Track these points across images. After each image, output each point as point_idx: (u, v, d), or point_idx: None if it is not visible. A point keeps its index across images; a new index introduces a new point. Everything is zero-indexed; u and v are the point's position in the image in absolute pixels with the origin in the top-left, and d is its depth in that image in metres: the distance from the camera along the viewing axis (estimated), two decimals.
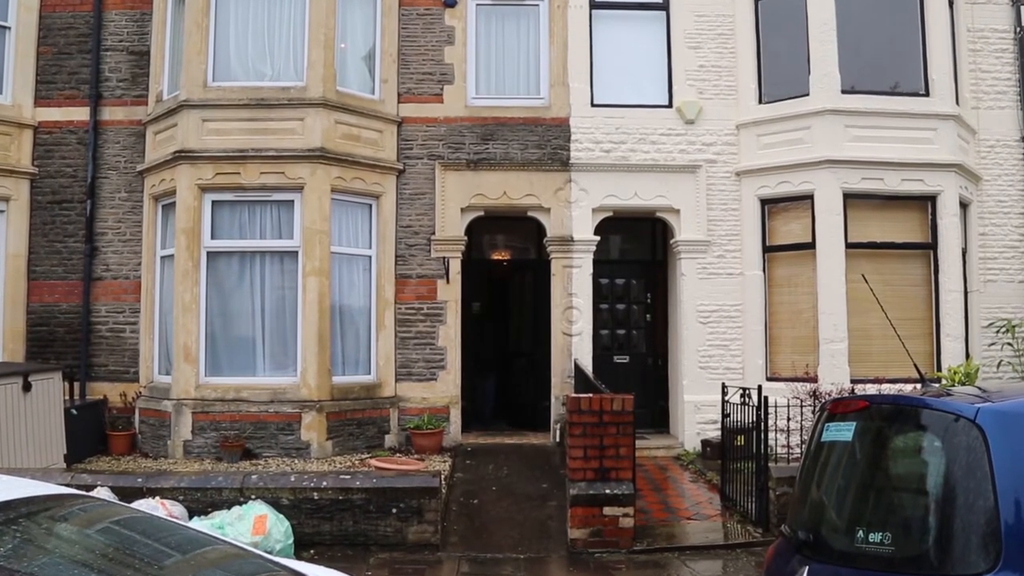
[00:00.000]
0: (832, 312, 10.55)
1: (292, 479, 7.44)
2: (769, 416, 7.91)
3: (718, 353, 11.31)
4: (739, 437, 8.38)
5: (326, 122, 10.60)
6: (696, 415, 11.13)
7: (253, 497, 7.12)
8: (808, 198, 10.91)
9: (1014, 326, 11.02)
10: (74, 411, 9.98)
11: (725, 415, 8.66)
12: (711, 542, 7.54)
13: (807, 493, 3.84)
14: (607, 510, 7.13)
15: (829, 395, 8.88)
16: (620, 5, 11.88)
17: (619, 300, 12.33)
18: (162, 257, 11.10)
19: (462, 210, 11.39)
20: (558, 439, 10.75)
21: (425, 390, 11.18)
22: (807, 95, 10.97)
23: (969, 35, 11.75)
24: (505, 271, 13.78)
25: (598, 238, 11.47)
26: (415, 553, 7.09)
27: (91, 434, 10.48)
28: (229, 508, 7.02)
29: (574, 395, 8.04)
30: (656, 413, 12.14)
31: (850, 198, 10.79)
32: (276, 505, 7.07)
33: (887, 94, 11.00)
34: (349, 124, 10.86)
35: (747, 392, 8.11)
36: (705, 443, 10.63)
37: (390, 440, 10.93)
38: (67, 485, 5.86)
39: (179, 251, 10.46)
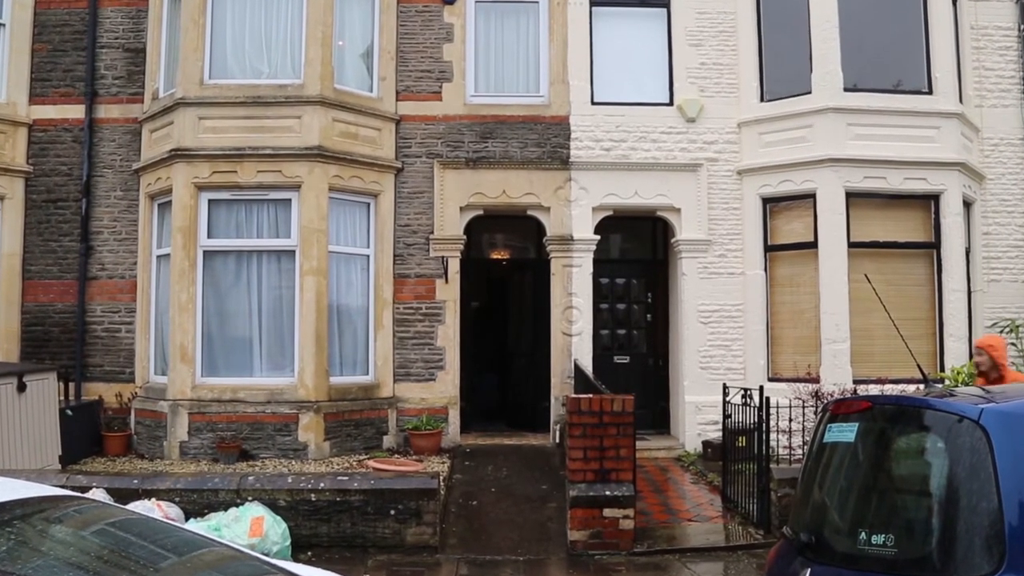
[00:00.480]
0: (834, 312, 10.55)
1: (289, 480, 7.43)
2: (771, 417, 7.90)
3: (719, 353, 11.31)
4: (740, 438, 8.38)
5: (324, 120, 10.60)
6: (697, 416, 11.13)
7: (250, 499, 7.12)
8: (810, 197, 10.90)
9: (1018, 326, 11.03)
10: (69, 412, 9.97)
11: (726, 416, 8.66)
12: (712, 544, 7.54)
13: (809, 494, 3.85)
14: (607, 512, 7.13)
15: (831, 396, 8.89)
16: (621, 2, 11.87)
17: (619, 300, 12.33)
18: (158, 256, 11.09)
19: (461, 209, 11.39)
20: (558, 440, 10.75)
21: (424, 391, 11.17)
22: (809, 93, 10.97)
23: (972, 32, 11.75)
24: (504, 270, 13.78)
25: (598, 237, 11.47)
26: (413, 555, 7.09)
27: (86, 435, 10.47)
28: (226, 510, 7.02)
29: (574, 396, 8.04)
30: (657, 414, 12.14)
31: (852, 197, 10.79)
32: (273, 507, 7.07)
33: (890, 92, 11.00)
34: (347, 122, 10.85)
35: (748, 393, 8.11)
36: (706, 444, 10.63)
37: (388, 441, 10.92)
38: (62, 487, 5.85)
39: (175, 250, 10.46)
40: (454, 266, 11.33)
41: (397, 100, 11.44)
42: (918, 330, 10.53)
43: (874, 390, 9.19)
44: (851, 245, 10.70)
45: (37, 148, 11.44)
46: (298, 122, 10.56)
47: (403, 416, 11.03)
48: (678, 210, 11.50)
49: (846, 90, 10.84)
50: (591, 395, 7.48)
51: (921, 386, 4.16)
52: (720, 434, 9.25)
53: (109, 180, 11.43)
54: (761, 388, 8.03)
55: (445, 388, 11.23)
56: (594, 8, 11.70)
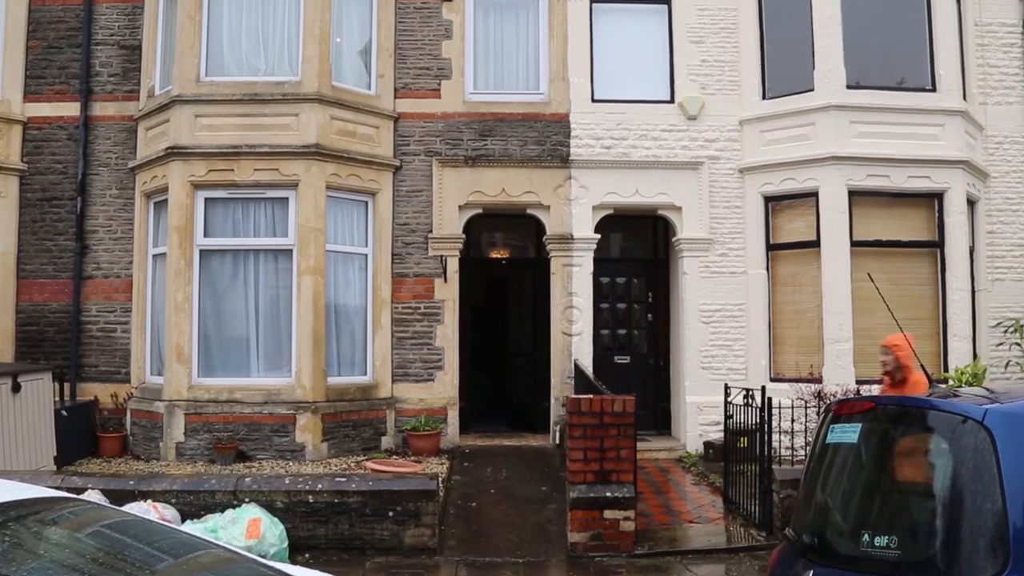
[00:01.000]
0: (837, 311, 10.55)
1: (287, 482, 7.44)
2: (773, 417, 7.90)
3: (721, 353, 11.31)
4: (742, 439, 8.38)
5: (321, 118, 10.59)
6: (698, 416, 11.13)
7: (247, 500, 7.12)
8: (812, 195, 10.91)
9: (1022, 326, 11.03)
10: (64, 412, 9.97)
11: (728, 416, 8.66)
12: (714, 546, 7.54)
13: (812, 496, 3.85)
14: (608, 513, 7.13)
15: (834, 396, 8.90)
16: None
17: (620, 299, 12.34)
18: (154, 255, 11.09)
19: (460, 207, 11.39)
20: (558, 441, 10.76)
21: (422, 391, 11.17)
22: (811, 90, 10.97)
23: (976, 29, 11.75)
24: (504, 270, 13.78)
25: (598, 236, 11.46)
26: (412, 557, 7.09)
27: (81, 436, 10.47)
28: (222, 511, 7.02)
29: (574, 396, 8.04)
30: (658, 414, 12.14)
31: (855, 195, 10.79)
32: (270, 508, 7.07)
33: (893, 89, 11.01)
34: (345, 120, 10.85)
35: (750, 393, 8.11)
36: (708, 445, 10.63)
37: (387, 442, 10.92)
38: (57, 488, 5.85)
39: (171, 249, 10.45)
40: (453, 265, 11.33)
41: (395, 98, 11.43)
42: (921, 330, 10.51)
43: (877, 390, 9.20)
44: (854, 244, 10.70)
45: (32, 146, 11.43)
46: (295, 120, 10.56)
47: (402, 417, 11.03)
48: (679, 209, 11.50)
49: (849, 87, 10.84)
50: (591, 396, 7.49)
51: None
52: (722, 435, 9.26)
53: (104, 178, 11.42)
54: (763, 388, 8.03)
55: (444, 388, 11.23)
56: (594, 5, 11.70)
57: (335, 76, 10.84)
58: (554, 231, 11.40)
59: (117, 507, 5.04)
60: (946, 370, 10.22)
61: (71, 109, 11.42)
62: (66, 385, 10.89)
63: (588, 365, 10.80)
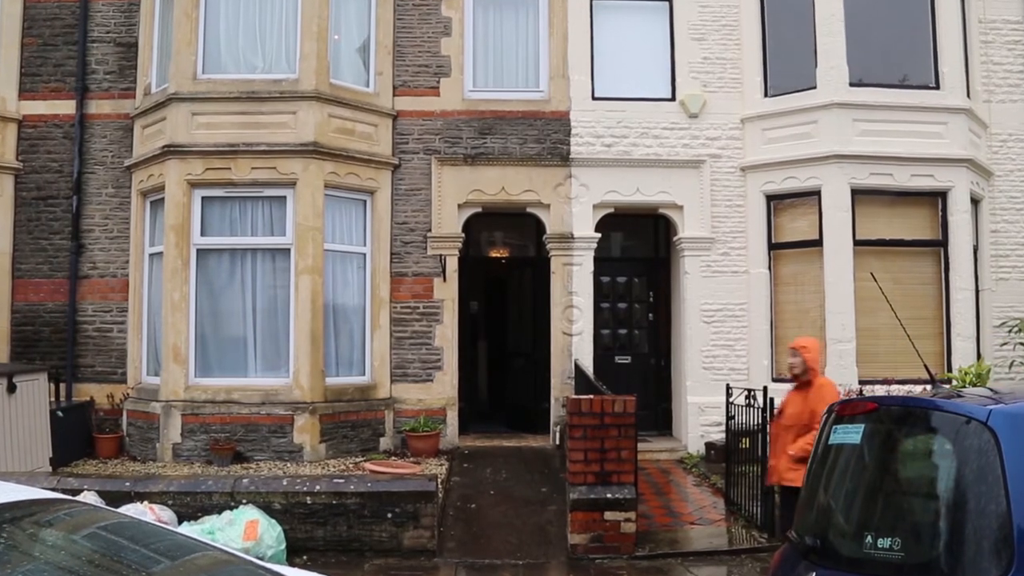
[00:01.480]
0: (840, 311, 10.55)
1: (284, 483, 7.44)
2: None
3: (722, 353, 11.31)
4: (744, 439, 8.38)
5: (319, 116, 10.59)
6: (700, 417, 11.13)
7: (244, 501, 7.12)
8: (815, 194, 10.90)
9: None
10: (60, 413, 9.97)
11: (730, 417, 8.67)
12: (715, 548, 7.54)
13: (814, 497, 3.85)
14: (608, 515, 7.13)
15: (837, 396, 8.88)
16: None
17: (621, 299, 12.33)
18: (150, 255, 11.09)
19: (459, 206, 11.39)
20: (558, 442, 10.76)
21: (421, 391, 11.17)
22: (814, 88, 10.97)
23: (980, 26, 11.75)
24: (504, 269, 13.78)
25: (599, 235, 11.46)
26: (411, 559, 7.09)
27: (77, 437, 10.47)
28: (219, 513, 7.02)
29: (574, 396, 8.04)
30: (659, 415, 12.14)
31: (858, 194, 10.78)
32: (268, 510, 7.07)
33: (896, 87, 11.00)
34: (343, 118, 10.85)
35: (752, 393, 8.11)
36: (709, 446, 10.62)
37: (385, 443, 10.92)
38: (53, 489, 5.85)
39: (168, 248, 10.45)
40: (452, 264, 11.33)
41: (394, 95, 11.43)
42: (925, 330, 10.53)
43: (880, 391, 9.22)
44: (857, 243, 10.70)
45: (27, 144, 11.43)
46: (293, 118, 10.56)
47: (400, 417, 11.03)
48: (680, 207, 11.50)
49: (852, 85, 10.84)
50: (592, 396, 7.49)
51: (928, 387, 4.16)
52: (723, 436, 9.25)
53: (100, 177, 11.42)
54: (765, 389, 8.03)
55: (443, 389, 11.22)
56: (595, 1, 11.69)
57: (333, 74, 10.83)
58: (554, 230, 11.40)
59: (113, 509, 5.05)
60: (950, 370, 10.22)
61: (67, 107, 11.41)
62: (62, 386, 10.89)
63: (588, 365, 10.80)
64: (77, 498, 5.49)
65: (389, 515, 7.23)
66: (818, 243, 10.84)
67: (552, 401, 11.31)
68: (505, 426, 12.68)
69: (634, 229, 12.67)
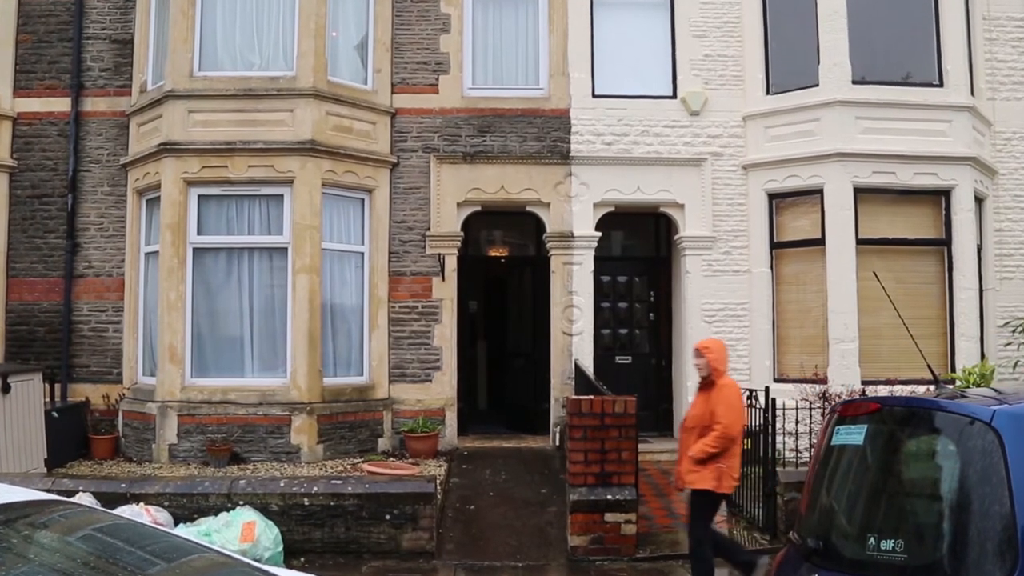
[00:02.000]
0: (842, 311, 10.55)
1: (282, 484, 7.44)
2: (777, 419, 7.91)
3: None
4: (746, 441, 8.36)
5: (317, 113, 10.59)
6: None
7: (241, 503, 7.12)
8: (817, 192, 10.91)
9: None
10: (55, 413, 9.97)
11: None
12: None
13: (816, 499, 3.85)
14: (608, 516, 7.13)
15: (839, 397, 8.91)
16: None
17: (621, 298, 12.33)
18: (146, 253, 11.08)
19: (458, 205, 11.39)
20: (558, 443, 10.76)
21: (420, 392, 11.17)
22: (816, 85, 10.97)
23: (984, 23, 11.75)
24: (503, 268, 13.78)
25: (599, 234, 11.46)
26: (409, 561, 7.10)
27: (73, 437, 10.46)
28: (216, 514, 7.03)
29: (574, 397, 8.05)
30: (660, 415, 12.14)
31: (861, 192, 10.79)
32: (265, 511, 7.07)
33: (899, 85, 11.00)
34: (341, 115, 10.84)
35: (754, 394, 8.11)
36: None
37: (383, 444, 10.92)
38: (48, 491, 5.84)
39: (164, 247, 10.45)
40: (451, 264, 11.32)
41: (392, 93, 11.43)
42: (928, 329, 10.54)
43: (883, 391, 9.22)
44: (859, 242, 10.70)
45: (21, 142, 11.42)
46: (290, 115, 10.55)
47: (399, 418, 11.03)
48: (681, 206, 11.50)
49: (854, 82, 10.84)
50: (592, 396, 7.49)
51: (931, 387, 4.16)
52: None
53: (96, 175, 11.41)
54: (767, 389, 8.04)
55: (442, 389, 11.22)
56: None
57: (331, 71, 10.83)
58: (554, 229, 11.40)
59: (109, 510, 5.05)
60: (953, 370, 10.21)
61: (62, 104, 11.40)
62: (57, 386, 10.87)
63: (589, 365, 10.80)
64: (72, 499, 5.49)
65: (387, 517, 7.23)
66: (820, 242, 10.84)
67: (552, 401, 11.31)
68: (504, 427, 12.68)
69: (635, 228, 12.67)
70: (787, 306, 11.24)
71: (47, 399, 10.06)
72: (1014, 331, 11.03)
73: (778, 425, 7.98)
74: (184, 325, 10.39)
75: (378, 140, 11.24)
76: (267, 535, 6.83)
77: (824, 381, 10.17)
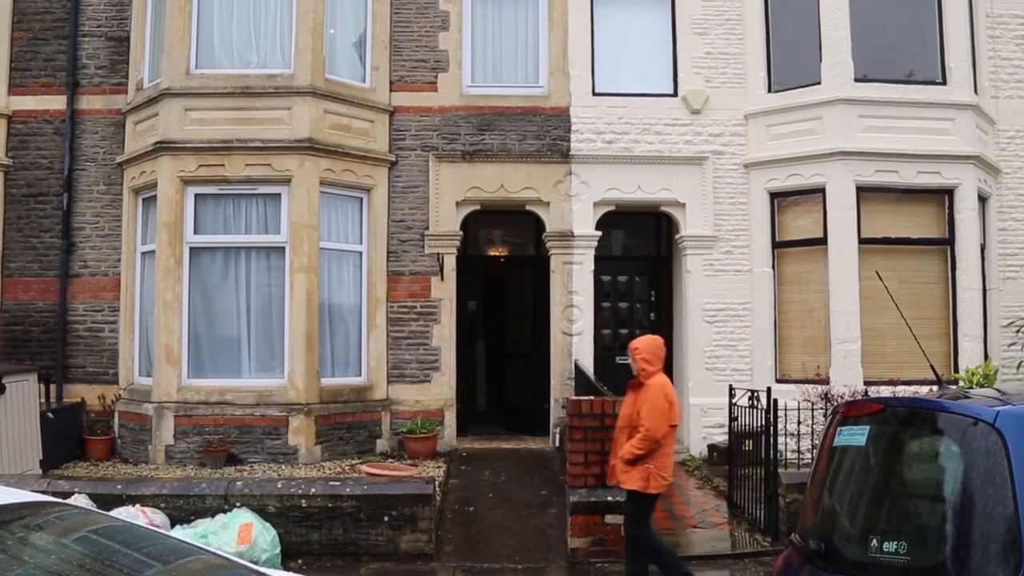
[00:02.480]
0: (845, 311, 10.55)
1: (279, 486, 7.43)
2: (779, 420, 7.91)
3: (725, 354, 11.31)
4: (747, 441, 8.38)
5: (315, 111, 10.58)
6: (702, 419, 11.13)
7: (238, 504, 7.12)
8: (819, 191, 10.91)
9: None
10: (50, 414, 9.96)
11: (733, 419, 8.66)
12: (718, 551, 7.55)
13: (819, 500, 3.85)
14: (609, 518, 7.13)
15: (841, 397, 8.90)
16: None
17: (622, 298, 12.33)
18: (143, 253, 11.08)
19: (457, 204, 11.39)
20: (558, 444, 10.76)
21: (418, 392, 11.17)
22: (819, 83, 10.97)
23: (988, 21, 11.75)
24: (502, 268, 13.78)
25: (599, 233, 11.46)
26: (408, 563, 7.09)
27: (68, 438, 10.46)
28: (213, 516, 7.02)
29: (574, 398, 8.04)
30: None
31: (863, 191, 10.79)
32: (262, 513, 7.07)
33: (902, 83, 11.00)
34: (339, 114, 10.84)
35: (756, 394, 8.11)
36: (712, 448, 10.64)
37: (382, 445, 10.92)
38: (43, 492, 5.85)
39: (160, 247, 10.44)
40: (450, 263, 11.32)
41: (391, 91, 11.43)
42: (931, 329, 10.54)
43: (886, 392, 9.22)
44: (862, 241, 10.70)
45: (17, 141, 11.42)
46: (288, 113, 10.55)
47: (397, 419, 11.03)
48: (682, 205, 11.50)
49: (857, 80, 10.84)
50: (592, 397, 7.49)
51: (934, 388, 4.17)
52: (726, 437, 9.26)
53: (92, 174, 11.41)
54: (769, 390, 8.03)
55: (441, 390, 11.22)
56: None
57: (329, 69, 10.83)
58: (554, 228, 11.40)
59: (105, 512, 5.04)
60: (956, 371, 10.21)
61: (57, 102, 11.40)
62: (52, 386, 10.88)
63: (589, 366, 10.80)
64: (68, 501, 5.49)
65: (386, 518, 7.22)
66: (823, 241, 10.85)
67: (552, 402, 11.31)
68: (504, 428, 12.68)
69: (635, 227, 12.68)
70: (789, 306, 11.24)
71: (42, 400, 10.05)
72: (1018, 331, 11.03)
73: (780, 426, 7.98)
74: (181, 325, 10.39)
75: (376, 139, 11.24)
76: (264, 537, 6.83)
77: (826, 382, 10.17)
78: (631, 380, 6.40)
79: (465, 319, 12.39)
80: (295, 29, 10.63)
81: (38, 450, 9.19)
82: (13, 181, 11.38)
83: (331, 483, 7.53)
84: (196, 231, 10.58)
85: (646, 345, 6.35)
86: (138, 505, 7.00)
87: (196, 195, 10.59)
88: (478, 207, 11.57)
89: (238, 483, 7.45)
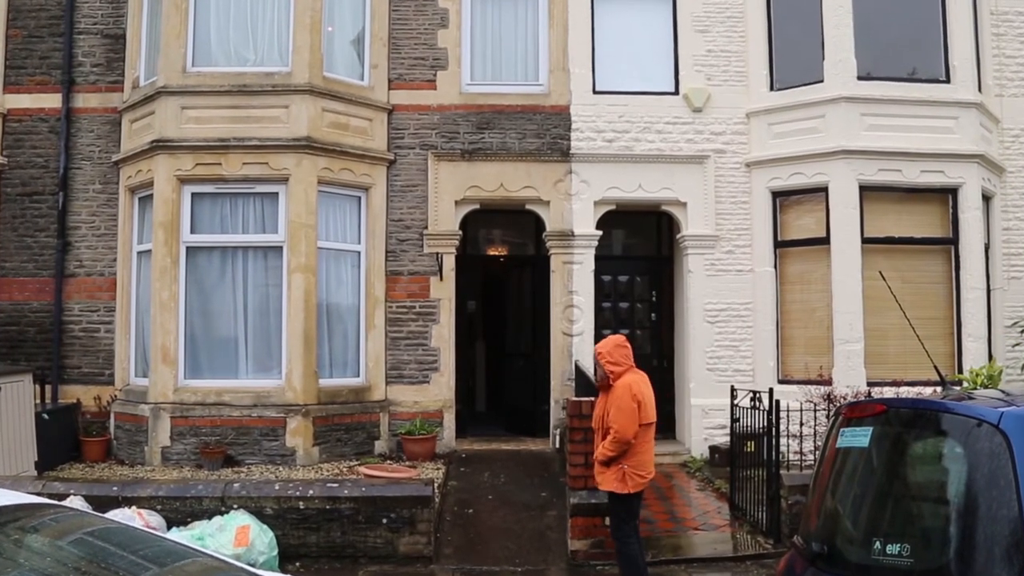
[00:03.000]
0: (847, 311, 10.55)
1: (276, 487, 7.44)
2: (781, 421, 7.91)
3: (727, 354, 11.31)
4: (749, 443, 8.39)
5: (312, 110, 10.58)
6: (704, 420, 11.13)
7: (235, 506, 7.12)
8: (822, 190, 10.91)
9: None
10: (45, 415, 9.96)
11: (734, 420, 8.66)
12: (719, 554, 7.55)
13: (821, 502, 3.85)
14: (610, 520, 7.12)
15: (844, 398, 8.89)
16: None
17: (622, 298, 12.34)
18: (139, 252, 11.07)
19: (456, 203, 11.38)
20: (558, 445, 10.76)
21: (417, 393, 11.17)
22: (821, 82, 10.97)
23: (992, 18, 11.76)
24: (502, 268, 13.78)
25: (600, 233, 11.46)
26: (407, 566, 7.09)
27: (63, 440, 10.45)
28: (210, 518, 7.03)
29: (575, 399, 8.05)
30: (662, 417, 12.00)
31: (866, 190, 10.79)
32: (259, 515, 7.07)
33: (905, 81, 11.00)
34: (337, 112, 10.84)
35: (758, 395, 8.12)
36: (713, 449, 10.64)
37: (380, 446, 10.92)
38: (38, 494, 5.85)
39: (157, 246, 10.44)
40: (449, 263, 11.32)
41: (389, 89, 11.43)
42: (935, 330, 10.54)
43: (889, 393, 9.21)
44: (865, 241, 10.70)
45: (12, 139, 11.41)
46: (285, 112, 10.55)
47: (396, 420, 11.03)
48: (684, 204, 11.50)
49: (860, 78, 10.84)
50: (593, 398, 7.48)
51: (938, 388, 4.17)
52: (728, 439, 9.26)
53: (87, 173, 11.40)
54: (771, 390, 8.03)
55: (440, 391, 11.22)
56: None
57: (327, 67, 10.83)
58: (554, 227, 11.40)
59: (100, 514, 5.04)
60: (960, 372, 10.21)
61: (52, 101, 11.39)
62: (47, 387, 10.88)
63: (589, 366, 10.77)
64: (63, 503, 5.49)
65: (384, 520, 7.23)
66: (825, 241, 10.85)
67: (552, 403, 11.31)
68: (503, 429, 12.67)
69: (636, 227, 12.68)
70: (791, 306, 11.24)
71: (37, 401, 10.06)
72: (1022, 331, 11.03)
73: (782, 427, 7.98)
74: (177, 325, 10.38)
75: (375, 137, 11.24)
76: (261, 539, 6.83)
77: (829, 382, 10.17)
78: (600, 381, 6.41)
79: (464, 319, 12.39)
80: (293, 27, 10.63)
81: (33, 451, 9.19)
82: (8, 180, 11.38)
83: (329, 485, 7.53)
84: (193, 230, 10.58)
85: (608, 348, 6.37)
86: (134, 507, 7.01)
87: (193, 194, 10.59)
88: (477, 206, 11.57)
89: (235, 485, 7.44)
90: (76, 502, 6.72)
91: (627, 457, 6.13)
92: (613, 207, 11.57)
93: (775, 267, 11.29)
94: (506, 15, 11.89)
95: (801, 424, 8.82)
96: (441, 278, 11.26)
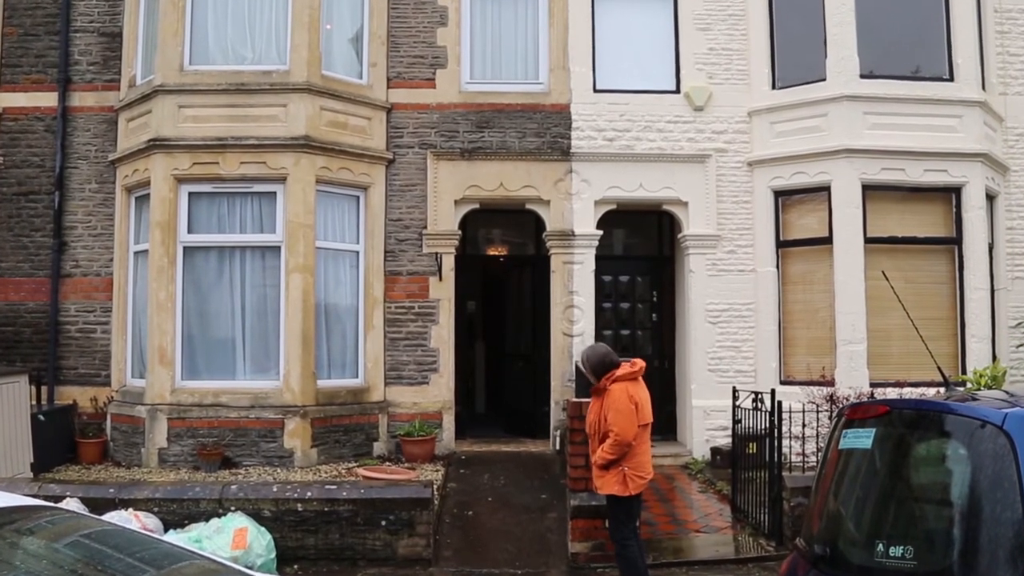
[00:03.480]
0: (850, 311, 10.56)
1: (274, 489, 7.44)
2: (783, 422, 7.90)
3: (729, 355, 11.31)
4: (751, 444, 8.39)
5: (311, 108, 10.59)
6: (705, 421, 11.14)
7: (233, 508, 7.12)
8: (824, 190, 10.91)
9: None
10: (41, 417, 9.95)
11: (736, 421, 8.66)
12: (721, 556, 7.55)
13: (824, 504, 3.85)
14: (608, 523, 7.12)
15: (847, 400, 8.91)
16: None
17: (623, 299, 12.34)
18: (135, 252, 11.07)
19: (456, 202, 11.39)
20: (558, 447, 10.76)
21: (416, 394, 11.17)
22: (824, 80, 10.97)
23: (996, 16, 11.75)
24: (502, 268, 13.78)
25: (601, 232, 11.46)
26: (406, 568, 7.09)
27: (60, 441, 10.45)
28: (207, 520, 7.02)
29: (575, 400, 8.04)
30: (663, 419, 12.09)
31: (869, 190, 10.79)
32: (257, 517, 7.07)
33: (908, 79, 11.00)
34: (335, 111, 10.84)
35: (760, 396, 8.11)
36: (715, 451, 10.64)
37: (379, 448, 10.93)
38: (34, 496, 5.85)
39: (154, 246, 10.44)
40: (448, 263, 11.32)
41: (388, 87, 11.43)
42: (938, 330, 10.53)
43: (892, 394, 9.19)
44: (868, 240, 10.71)
45: (7, 138, 11.41)
46: (283, 110, 10.55)
47: (395, 421, 11.03)
48: (685, 204, 11.50)
49: (862, 77, 10.84)
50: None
51: (942, 389, 4.17)
52: (729, 440, 9.26)
53: (84, 172, 11.40)
54: (773, 392, 8.03)
55: (439, 392, 11.22)
56: None
57: (325, 65, 10.84)
58: (554, 227, 11.40)
59: (97, 516, 5.05)
60: (964, 372, 10.21)
61: (48, 99, 11.39)
62: (43, 388, 10.86)
63: None
64: (59, 505, 5.49)
65: (383, 523, 7.22)
66: (828, 240, 10.85)
67: (552, 404, 11.31)
68: (503, 430, 12.68)
69: (637, 226, 12.68)
70: (793, 306, 11.24)
71: (33, 402, 10.05)
72: None
73: (784, 428, 7.97)
74: (174, 326, 10.38)
75: (373, 136, 11.24)
76: (259, 541, 6.83)
77: (831, 383, 10.17)
78: (593, 385, 6.41)
79: (464, 320, 12.39)
80: (291, 25, 10.63)
81: (29, 453, 9.19)
82: (3, 179, 11.38)
83: (327, 487, 7.53)
84: (190, 230, 10.58)
85: (593, 363, 6.30)
86: (131, 509, 7.00)
87: (190, 193, 10.59)
88: (477, 206, 11.57)
89: (233, 487, 7.45)
90: (72, 504, 6.72)
91: (627, 459, 6.13)
92: (614, 207, 11.57)
93: (777, 267, 11.29)
94: (506, 13, 11.89)
95: (803, 425, 8.81)
96: (440, 278, 11.26)
